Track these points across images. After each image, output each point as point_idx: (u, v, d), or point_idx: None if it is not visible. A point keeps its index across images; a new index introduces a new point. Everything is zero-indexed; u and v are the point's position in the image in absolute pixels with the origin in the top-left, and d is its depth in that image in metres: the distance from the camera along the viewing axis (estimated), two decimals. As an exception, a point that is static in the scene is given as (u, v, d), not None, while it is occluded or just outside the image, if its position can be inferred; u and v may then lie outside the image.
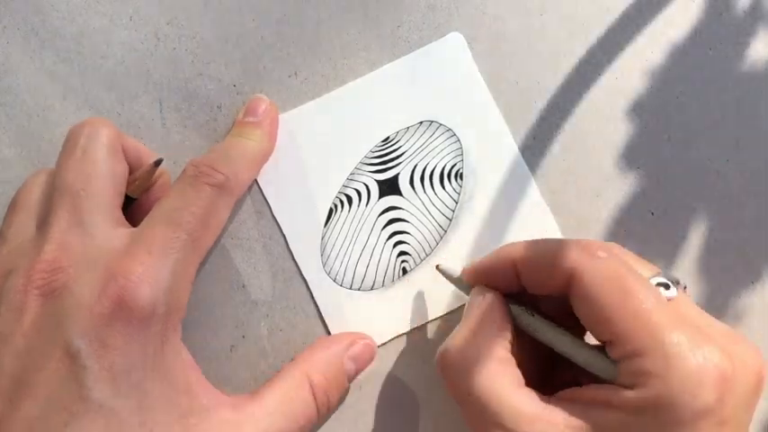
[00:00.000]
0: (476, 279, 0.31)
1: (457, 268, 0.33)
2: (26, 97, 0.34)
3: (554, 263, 0.28)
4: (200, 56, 0.35)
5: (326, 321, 0.34)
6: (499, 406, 0.27)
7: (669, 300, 0.28)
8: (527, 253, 0.29)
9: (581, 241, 0.29)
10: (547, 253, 0.29)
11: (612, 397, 0.26)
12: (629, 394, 0.26)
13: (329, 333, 0.34)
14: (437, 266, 0.33)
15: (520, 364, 0.29)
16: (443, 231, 0.35)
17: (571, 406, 0.27)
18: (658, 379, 0.25)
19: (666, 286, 0.28)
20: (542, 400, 0.27)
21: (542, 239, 0.30)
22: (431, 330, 0.35)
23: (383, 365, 0.34)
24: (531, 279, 0.29)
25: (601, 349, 0.28)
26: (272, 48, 0.35)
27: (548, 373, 0.31)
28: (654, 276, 0.29)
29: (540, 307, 0.31)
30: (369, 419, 0.34)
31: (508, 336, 0.29)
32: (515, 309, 0.30)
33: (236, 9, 0.35)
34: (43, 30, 0.34)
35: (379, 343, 0.34)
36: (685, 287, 0.30)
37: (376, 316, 0.34)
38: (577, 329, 0.29)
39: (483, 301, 0.30)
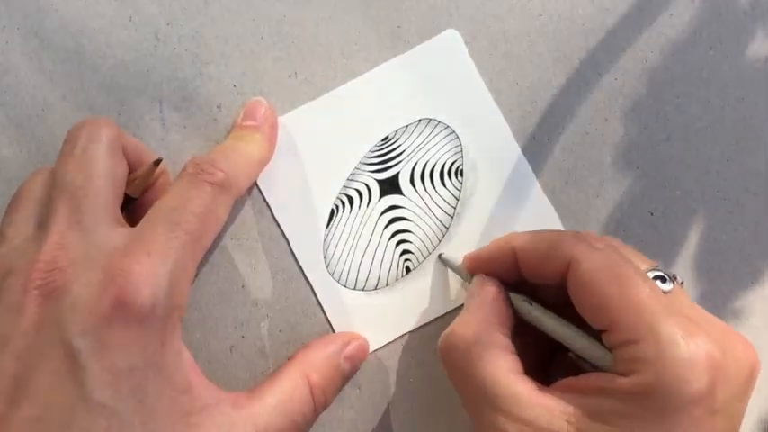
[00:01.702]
0: (477, 268, 0.32)
1: (459, 257, 0.33)
2: (26, 97, 0.34)
3: (552, 252, 0.29)
4: (200, 56, 0.35)
5: (332, 322, 0.34)
6: (497, 390, 0.27)
7: (665, 293, 0.28)
8: (526, 242, 0.30)
9: (580, 232, 0.30)
10: (545, 242, 0.29)
11: (607, 384, 0.27)
12: (624, 381, 0.26)
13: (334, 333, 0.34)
14: (439, 256, 0.34)
15: (519, 353, 0.29)
16: (445, 229, 0.35)
17: (567, 394, 0.27)
18: (651, 365, 0.25)
19: (663, 279, 0.29)
20: (539, 387, 0.28)
21: (541, 230, 0.31)
22: (433, 329, 0.35)
23: (386, 365, 0.34)
24: (530, 268, 0.30)
25: (597, 338, 0.28)
26: (271, 48, 0.35)
27: (547, 363, 0.32)
28: (651, 270, 0.29)
29: (539, 296, 0.31)
30: (369, 419, 0.34)
31: (508, 323, 0.30)
32: (515, 297, 0.31)
33: (236, 9, 0.35)
34: (43, 30, 0.34)
35: (384, 342, 0.34)
36: (682, 282, 0.30)
37: (381, 315, 0.34)
38: (575, 319, 0.29)
39: (484, 290, 0.31)
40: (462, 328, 0.30)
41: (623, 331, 0.26)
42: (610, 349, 0.27)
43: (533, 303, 0.31)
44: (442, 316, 0.35)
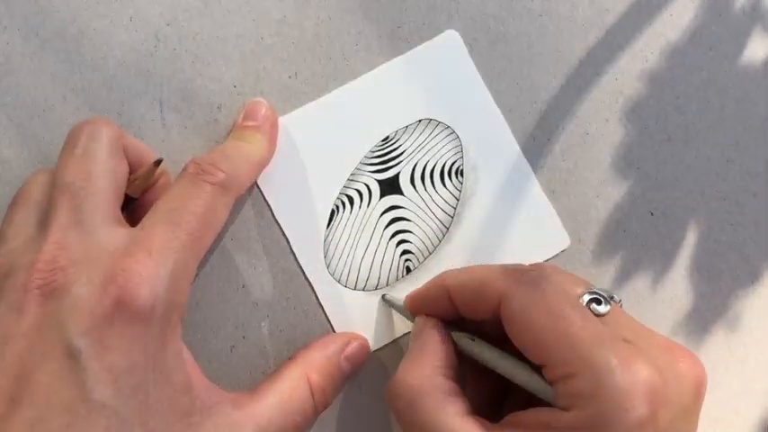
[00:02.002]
0: (417, 308, 0.32)
1: (401, 298, 0.33)
2: (26, 97, 0.34)
3: (483, 289, 0.29)
4: (200, 56, 0.35)
5: (332, 322, 0.34)
6: None
7: (601, 316, 0.28)
8: (458, 281, 0.30)
9: (508, 267, 0.29)
10: (475, 280, 0.29)
11: (551, 419, 0.26)
12: (566, 416, 0.26)
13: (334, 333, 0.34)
14: (383, 297, 0.34)
15: (474, 388, 0.29)
16: (446, 229, 0.35)
17: (515, 430, 0.27)
18: (590, 399, 0.25)
19: (599, 301, 0.28)
20: (487, 427, 0.27)
21: (472, 267, 0.31)
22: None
23: (386, 365, 0.34)
24: (465, 306, 0.30)
25: (538, 370, 0.28)
26: (272, 48, 0.35)
27: (503, 395, 0.32)
28: (586, 293, 0.29)
29: (484, 330, 0.31)
30: (370, 419, 0.34)
31: (452, 364, 0.30)
32: (457, 335, 0.31)
33: (236, 9, 0.35)
34: (43, 30, 0.34)
35: (384, 342, 0.34)
36: (620, 301, 0.30)
37: (381, 315, 0.34)
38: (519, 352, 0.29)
39: (424, 333, 0.31)
40: (405, 376, 0.29)
41: (559, 366, 0.26)
42: (550, 383, 0.27)
43: (475, 339, 0.30)
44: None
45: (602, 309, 0.28)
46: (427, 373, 0.29)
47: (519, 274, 0.29)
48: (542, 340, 0.27)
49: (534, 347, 0.27)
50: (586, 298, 0.29)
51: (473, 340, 0.30)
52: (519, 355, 0.28)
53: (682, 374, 0.27)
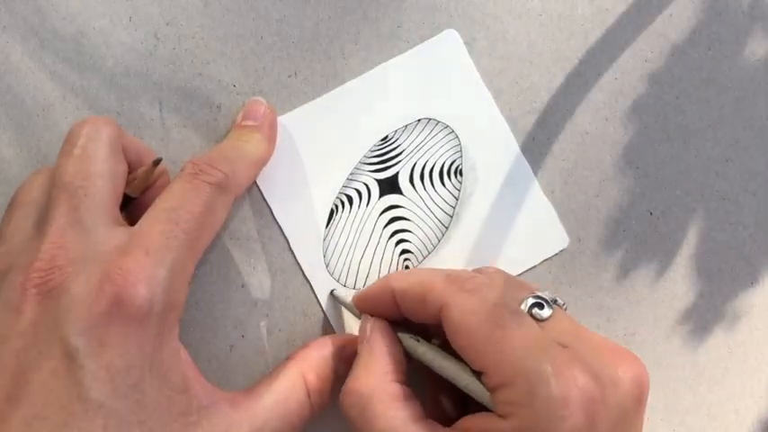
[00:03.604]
0: (363, 308, 0.32)
1: (349, 295, 0.33)
2: (26, 97, 0.34)
3: (426, 295, 0.29)
4: (200, 56, 0.35)
5: (332, 322, 0.34)
6: None
7: (543, 320, 0.28)
8: (402, 284, 0.30)
9: (451, 273, 0.30)
10: (418, 285, 0.29)
11: (491, 427, 0.27)
12: (503, 424, 0.26)
13: (334, 333, 0.34)
14: (331, 292, 0.34)
15: (434, 389, 0.29)
16: (445, 228, 0.35)
17: None
18: (525, 408, 0.25)
19: (541, 306, 0.29)
20: (438, 431, 0.28)
21: (417, 270, 0.31)
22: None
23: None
24: (409, 310, 0.30)
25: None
26: (271, 48, 0.35)
27: (462, 399, 0.31)
28: (528, 297, 0.29)
29: (430, 333, 0.31)
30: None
31: (401, 367, 0.30)
32: (402, 336, 0.31)
33: (236, 9, 0.35)
34: (43, 30, 0.34)
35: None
36: (564, 304, 0.30)
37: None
38: None
39: (370, 335, 0.31)
40: (356, 384, 0.29)
41: (496, 375, 0.26)
42: (489, 390, 0.27)
43: (419, 340, 0.30)
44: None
45: (545, 313, 0.28)
46: (377, 378, 0.29)
47: (461, 280, 0.29)
48: (480, 348, 0.27)
49: (473, 355, 0.27)
50: (530, 302, 0.29)
51: (418, 341, 0.30)
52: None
53: (621, 378, 0.27)
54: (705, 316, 0.36)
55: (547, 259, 0.35)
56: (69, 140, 0.30)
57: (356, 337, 0.33)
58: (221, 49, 0.35)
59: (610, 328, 0.36)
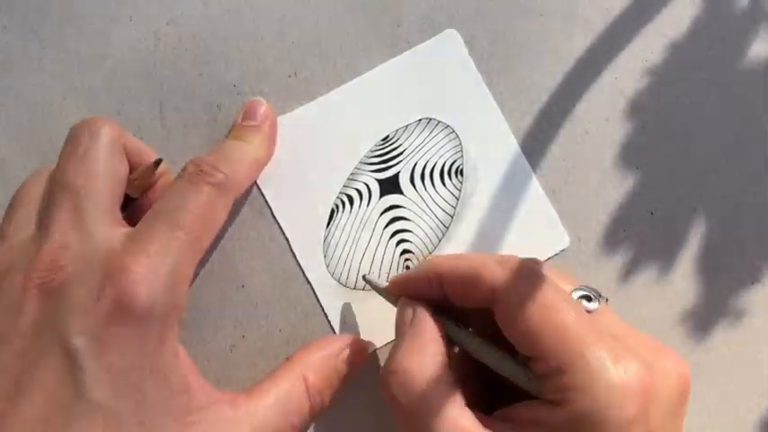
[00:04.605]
0: (402, 291, 0.31)
1: (383, 280, 0.33)
2: (26, 97, 0.34)
3: (476, 279, 0.28)
4: (200, 56, 0.35)
5: (332, 322, 0.34)
6: (443, 428, 0.27)
7: (590, 312, 0.28)
8: (451, 268, 0.29)
9: (503, 257, 0.29)
10: (469, 268, 0.29)
11: (541, 414, 0.26)
12: (557, 411, 0.26)
13: (334, 333, 0.34)
14: (363, 276, 0.34)
15: (464, 378, 0.29)
16: (446, 228, 0.35)
17: (505, 425, 0.27)
18: (582, 394, 0.25)
19: (588, 299, 0.29)
20: (481, 419, 0.27)
21: (465, 255, 0.31)
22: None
23: (383, 365, 0.34)
24: (456, 294, 0.29)
25: (526, 363, 0.28)
26: (271, 48, 0.35)
27: (494, 385, 0.31)
28: (576, 290, 0.29)
29: (470, 319, 0.30)
30: (369, 419, 0.34)
31: (442, 349, 0.29)
32: (445, 321, 0.30)
33: (236, 9, 0.35)
34: (43, 30, 0.34)
35: (384, 342, 0.34)
36: (607, 299, 0.30)
37: (381, 315, 0.34)
38: (508, 342, 0.29)
39: (412, 316, 0.30)
40: (408, 365, 0.28)
41: (552, 360, 0.26)
42: (540, 377, 0.27)
43: (461, 326, 0.30)
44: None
45: (592, 306, 0.29)
46: (429, 361, 0.28)
47: (515, 265, 0.28)
48: (536, 333, 0.26)
49: (528, 340, 0.27)
50: (576, 295, 0.29)
51: (458, 327, 0.30)
52: (502, 346, 0.28)
53: (669, 373, 0.27)
54: (705, 316, 0.36)
55: (547, 259, 0.35)
56: (70, 141, 0.30)
57: (357, 338, 0.33)
58: (221, 49, 0.35)
59: (610, 327, 0.36)
